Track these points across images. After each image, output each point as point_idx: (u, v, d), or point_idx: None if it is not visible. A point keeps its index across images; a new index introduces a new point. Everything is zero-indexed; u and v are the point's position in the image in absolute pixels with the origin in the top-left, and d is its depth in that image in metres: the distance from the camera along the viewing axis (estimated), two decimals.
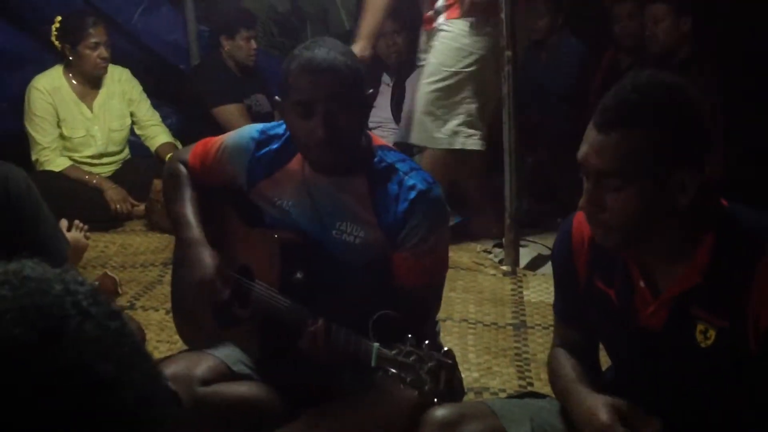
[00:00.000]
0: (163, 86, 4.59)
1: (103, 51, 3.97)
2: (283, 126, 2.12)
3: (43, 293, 0.68)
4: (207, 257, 2.08)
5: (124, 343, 0.68)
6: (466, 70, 3.53)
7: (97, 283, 1.95)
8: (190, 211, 2.19)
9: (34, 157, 3.96)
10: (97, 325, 0.67)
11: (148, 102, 4.32)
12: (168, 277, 3.35)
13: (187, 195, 2.21)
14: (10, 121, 4.15)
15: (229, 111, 4.38)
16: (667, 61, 3.73)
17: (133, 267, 3.47)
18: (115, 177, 4.14)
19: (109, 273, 3.08)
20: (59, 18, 3.96)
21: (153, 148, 4.29)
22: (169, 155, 4.16)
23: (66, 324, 0.66)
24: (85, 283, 0.71)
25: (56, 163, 3.98)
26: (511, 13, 3.28)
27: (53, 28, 3.96)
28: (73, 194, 3.78)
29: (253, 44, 4.49)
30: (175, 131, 4.52)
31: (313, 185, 2.08)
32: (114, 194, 3.99)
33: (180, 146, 4.13)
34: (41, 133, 3.98)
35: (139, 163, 4.23)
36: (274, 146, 2.13)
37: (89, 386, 0.64)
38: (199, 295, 2.09)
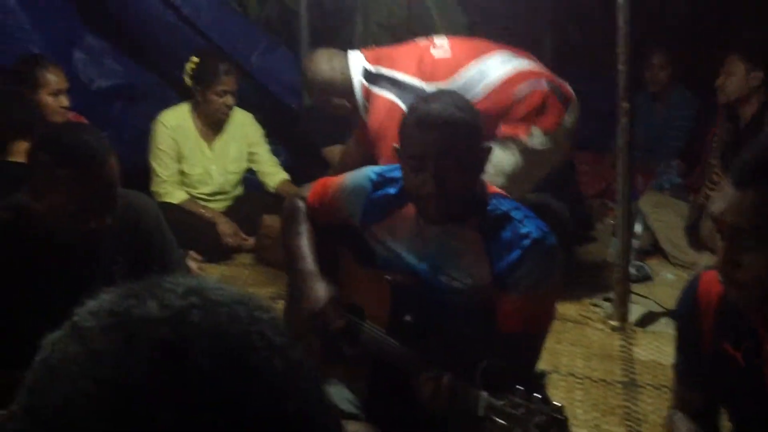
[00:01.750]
0: (275, 125, 4.71)
1: (229, 99, 4.09)
2: (400, 170, 2.14)
3: (232, 321, 0.63)
4: (320, 290, 2.11)
5: (306, 377, 0.64)
6: None
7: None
8: (305, 245, 2.23)
9: (153, 189, 4.10)
10: (283, 358, 0.63)
11: (268, 146, 4.44)
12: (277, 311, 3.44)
13: (304, 229, 2.26)
14: (131, 153, 4.33)
15: (338, 151, 4.46)
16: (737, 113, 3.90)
17: None
18: (227, 211, 4.26)
19: None
20: (195, 59, 4.08)
21: (271, 186, 4.37)
22: (289, 191, 4.32)
23: (254, 356, 0.62)
24: (268, 309, 0.66)
25: (174, 195, 4.12)
26: (628, 64, 3.24)
27: (188, 68, 4.10)
28: (187, 226, 3.91)
29: None
30: (285, 169, 4.62)
31: (425, 230, 2.09)
32: (226, 228, 4.09)
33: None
34: (162, 166, 4.13)
35: (250, 199, 4.33)
36: (390, 190, 2.15)
37: (276, 423, 0.60)
38: (310, 328, 2.12)
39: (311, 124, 4.54)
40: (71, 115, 3.91)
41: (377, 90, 3.26)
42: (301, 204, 2.30)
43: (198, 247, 3.58)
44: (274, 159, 4.48)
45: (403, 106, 3.07)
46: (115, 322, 0.62)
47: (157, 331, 0.60)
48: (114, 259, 2.10)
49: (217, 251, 4.02)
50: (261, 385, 0.61)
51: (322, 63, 3.35)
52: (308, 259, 2.19)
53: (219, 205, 4.27)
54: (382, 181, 2.17)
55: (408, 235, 2.12)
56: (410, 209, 2.10)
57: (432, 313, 2.09)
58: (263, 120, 4.52)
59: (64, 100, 3.62)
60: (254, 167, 4.41)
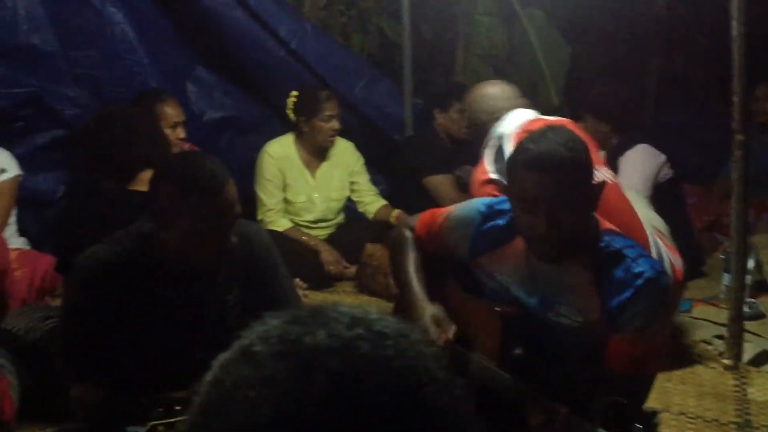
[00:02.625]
0: (377, 155, 4.77)
1: (335, 123, 4.22)
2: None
3: (399, 355, 0.63)
4: (432, 313, 2.12)
5: (468, 413, 0.64)
6: None
7: None
8: (413, 273, 2.25)
9: (259, 217, 4.21)
10: (448, 394, 0.62)
11: (368, 175, 4.53)
12: None
13: (412, 258, 2.28)
14: (239, 183, 4.44)
15: (439, 181, 4.48)
16: None
17: None
18: (329, 240, 4.33)
19: None
20: (295, 93, 4.23)
21: (370, 215, 4.45)
22: (391, 214, 4.37)
23: (422, 392, 0.61)
24: (427, 342, 0.66)
25: (279, 223, 4.22)
26: (743, 96, 3.16)
27: (289, 102, 4.23)
28: (291, 254, 3.99)
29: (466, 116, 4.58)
30: (385, 198, 4.67)
31: (535, 265, 2.08)
32: (328, 256, 4.17)
33: None
34: (268, 195, 4.25)
35: (352, 227, 4.40)
36: (500, 222, 2.15)
37: None
38: None
39: (413, 155, 4.58)
40: (187, 146, 4.08)
41: None
42: (408, 233, 2.33)
43: (301, 274, 3.65)
44: (374, 188, 4.56)
45: None
46: (286, 350, 0.63)
47: (328, 361, 0.61)
48: (229, 287, 2.16)
49: (320, 279, 4.08)
50: (430, 422, 0.60)
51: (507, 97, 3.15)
52: (417, 287, 2.21)
53: (321, 233, 4.35)
54: (491, 213, 2.17)
55: (517, 268, 2.11)
56: (520, 242, 2.09)
57: (541, 347, 2.07)
58: (365, 150, 4.60)
59: (182, 132, 3.77)
60: (353, 196, 4.50)
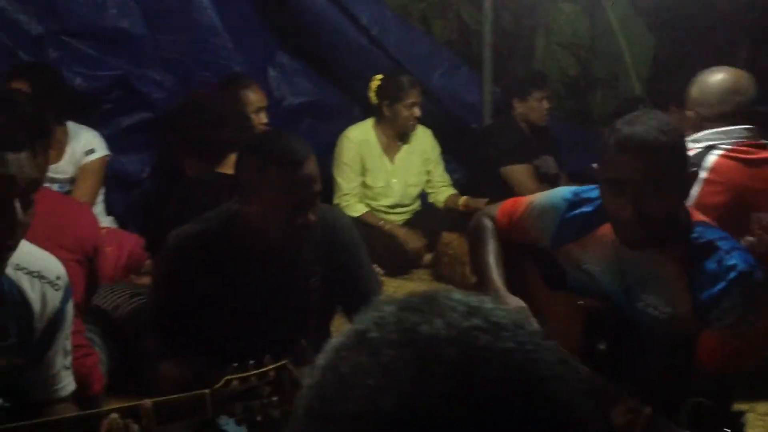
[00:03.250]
0: (454, 143, 4.76)
1: (416, 110, 4.25)
2: (597, 190, 2.11)
3: (518, 348, 0.61)
4: (513, 305, 2.10)
5: (588, 407, 0.62)
6: None
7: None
8: (493, 263, 2.23)
9: (335, 201, 4.25)
10: (568, 389, 0.60)
11: (443, 164, 4.54)
12: None
13: (492, 248, 2.27)
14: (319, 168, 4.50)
15: (517, 171, 4.45)
16: None
17: None
18: (405, 225, 4.34)
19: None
20: (379, 77, 4.26)
21: (440, 204, 4.47)
22: (460, 200, 4.37)
23: (543, 387, 0.60)
24: (543, 334, 0.64)
25: (355, 208, 4.25)
26: None
27: (373, 85, 4.26)
28: (368, 239, 4.02)
29: (546, 104, 4.55)
30: (461, 187, 4.67)
31: (623, 254, 2.04)
32: (408, 236, 4.19)
33: None
34: (346, 180, 4.29)
35: (428, 215, 4.40)
36: (587, 209, 2.12)
37: None
38: None
39: (491, 144, 4.55)
40: None
41: None
42: (488, 222, 2.31)
43: (378, 260, 3.67)
44: (447, 178, 4.58)
45: None
46: (403, 338, 0.62)
47: (446, 352, 0.60)
48: (312, 271, 2.19)
49: (396, 265, 4.10)
50: (552, 417, 0.60)
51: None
52: (497, 275, 2.20)
53: (398, 218, 4.39)
54: (578, 201, 2.14)
55: (604, 257, 2.08)
56: (607, 229, 2.05)
57: (626, 342, 2.04)
58: (442, 138, 4.59)
59: (264, 117, 3.83)
60: (426, 185, 4.52)
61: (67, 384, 1.79)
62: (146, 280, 3.47)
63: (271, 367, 1.83)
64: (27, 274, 1.66)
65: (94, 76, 4.07)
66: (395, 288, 3.91)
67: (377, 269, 3.48)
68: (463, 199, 4.42)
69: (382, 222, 4.28)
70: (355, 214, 4.21)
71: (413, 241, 4.20)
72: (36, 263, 1.67)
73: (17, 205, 1.51)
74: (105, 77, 4.10)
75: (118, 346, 2.64)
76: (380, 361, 0.61)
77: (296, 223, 2.02)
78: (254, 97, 3.87)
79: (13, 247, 1.55)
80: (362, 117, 4.49)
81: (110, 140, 3.94)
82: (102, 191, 3.88)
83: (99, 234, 2.63)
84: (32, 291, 1.67)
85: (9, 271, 1.62)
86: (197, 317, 2.06)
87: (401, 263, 4.16)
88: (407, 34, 4.76)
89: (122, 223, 4.11)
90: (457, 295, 0.66)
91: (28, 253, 1.59)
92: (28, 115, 2.22)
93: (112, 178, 4.07)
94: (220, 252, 2.09)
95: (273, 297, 2.14)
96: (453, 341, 0.61)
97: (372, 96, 4.29)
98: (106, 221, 3.81)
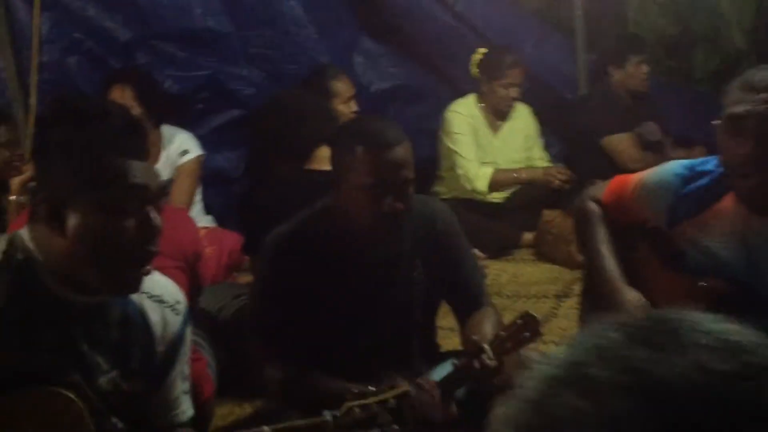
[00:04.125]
0: (549, 115, 4.60)
1: (514, 91, 4.14)
2: (712, 162, 1.97)
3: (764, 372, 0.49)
4: (634, 299, 1.99)
5: None
6: None
7: (520, 321, 1.95)
8: (605, 249, 2.12)
9: (460, 172, 4.16)
10: None
11: (541, 141, 4.44)
12: (563, 311, 3.35)
13: (602, 233, 2.15)
14: None
15: (619, 140, 4.28)
16: None
17: (526, 297, 3.50)
18: (506, 204, 4.23)
19: (530, 312, 3.06)
20: (483, 50, 4.16)
21: None
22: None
23: None
24: None
25: (482, 173, 4.16)
26: None
27: (475, 58, 4.17)
28: (468, 223, 3.93)
29: (644, 68, 4.35)
30: (560, 160, 4.53)
31: (749, 227, 1.89)
32: (550, 170, 4.17)
33: None
34: (464, 147, 4.18)
35: (529, 192, 4.27)
36: (703, 182, 1.98)
37: None
38: None
39: (588, 115, 4.38)
40: None
41: None
42: (593, 206, 2.18)
43: (479, 243, 3.58)
44: (545, 155, 4.47)
45: None
46: (635, 384, 0.50)
47: (694, 408, 0.48)
48: (413, 264, 2.13)
49: (498, 247, 4.00)
50: None
51: None
52: (612, 266, 2.08)
53: (499, 195, 4.27)
54: (693, 175, 2.00)
55: (727, 232, 1.93)
56: (729, 202, 1.91)
57: (754, 325, 1.89)
58: (536, 111, 4.45)
59: (353, 106, 3.80)
60: (526, 162, 4.40)
61: (186, 409, 1.78)
62: (247, 278, 3.49)
63: (392, 394, 1.79)
64: (149, 298, 1.66)
65: (184, 78, 4.11)
66: (497, 271, 3.81)
67: (478, 254, 3.40)
68: None
69: (516, 173, 4.21)
70: (484, 180, 4.13)
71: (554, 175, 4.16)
72: (157, 288, 1.66)
73: (153, 212, 1.51)
74: (194, 78, 4.13)
75: (225, 349, 2.64)
76: (604, 411, 0.49)
77: (384, 208, 1.95)
78: (342, 87, 3.83)
79: (155, 253, 1.54)
80: (451, 98, 4.39)
81: (203, 139, 3.98)
82: (199, 190, 3.92)
83: (199, 239, 2.64)
84: (154, 315, 1.67)
85: (133, 295, 1.61)
86: (300, 319, 2.03)
87: (503, 246, 4.05)
88: (493, 6, 4.62)
89: (221, 220, 4.15)
90: (708, 321, 0.52)
91: (149, 278, 1.57)
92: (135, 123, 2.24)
93: (209, 177, 4.11)
94: (319, 251, 2.05)
95: (375, 293, 2.09)
96: (706, 395, 0.48)
97: (473, 69, 4.20)
98: (205, 221, 3.85)
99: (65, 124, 2.22)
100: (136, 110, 3.48)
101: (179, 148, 3.75)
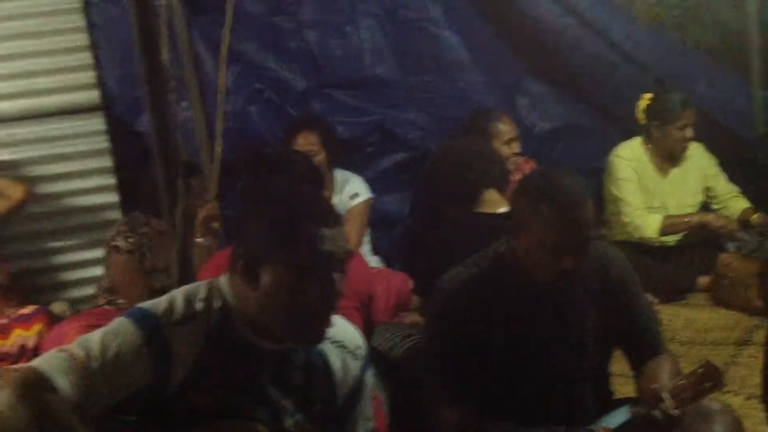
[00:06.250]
0: (724, 155, 4.42)
1: (689, 132, 3.99)
2: None
3: None
4: None
5: None
6: None
7: (701, 370, 1.89)
8: None
9: (626, 220, 4.05)
10: None
11: (724, 175, 4.21)
12: (742, 359, 3.20)
13: None
14: None
15: None
16: None
17: (701, 344, 3.36)
18: (678, 246, 4.08)
19: (711, 361, 2.94)
20: (649, 95, 4.06)
21: (733, 216, 4.14)
22: (753, 216, 4.05)
23: None
24: None
25: (650, 220, 4.03)
26: None
27: (641, 104, 4.08)
28: (637, 267, 3.83)
29: None
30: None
31: None
32: (717, 221, 3.99)
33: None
34: (630, 194, 4.06)
35: (702, 235, 4.10)
36: None
37: None
38: None
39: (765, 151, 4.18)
40: (521, 161, 4.10)
41: None
42: None
43: (650, 286, 3.47)
44: (734, 188, 4.23)
45: None
46: None
47: None
48: (586, 311, 2.11)
49: (671, 291, 3.87)
50: None
51: None
52: None
53: (671, 239, 4.11)
54: None
55: None
56: None
57: None
58: (711, 150, 4.29)
59: (516, 147, 3.83)
60: (713, 203, 4.21)
61: None
62: (414, 318, 3.56)
63: None
64: (331, 343, 1.74)
65: (354, 123, 4.29)
66: (670, 316, 3.68)
67: (649, 298, 3.30)
68: (756, 216, 4.06)
69: (688, 217, 4.03)
70: (654, 227, 4.00)
71: (724, 221, 3.99)
72: (338, 333, 1.74)
73: (338, 277, 1.60)
74: (364, 123, 4.31)
75: (397, 388, 2.70)
76: None
77: (563, 267, 1.96)
78: (505, 128, 3.88)
79: (332, 316, 1.64)
80: (619, 137, 4.30)
81: (371, 182, 4.13)
82: (368, 232, 4.06)
83: (372, 280, 2.74)
84: (335, 360, 1.75)
85: None
86: (474, 363, 2.05)
87: (674, 289, 3.91)
88: (662, 45, 4.52)
89: (387, 261, 4.26)
90: None
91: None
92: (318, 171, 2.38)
93: (376, 219, 4.24)
94: (493, 296, 2.07)
95: (548, 339, 2.09)
96: None
97: (640, 115, 4.08)
98: (373, 261, 3.97)
99: (258, 177, 2.40)
100: (321, 155, 3.68)
101: (350, 191, 3.91)
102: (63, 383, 1.47)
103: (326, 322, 1.64)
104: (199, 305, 1.63)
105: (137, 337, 1.56)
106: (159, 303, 1.62)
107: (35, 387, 1.44)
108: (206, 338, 1.61)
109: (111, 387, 1.52)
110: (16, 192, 3.82)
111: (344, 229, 1.73)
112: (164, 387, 1.57)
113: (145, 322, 1.58)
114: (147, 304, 1.63)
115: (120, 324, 1.58)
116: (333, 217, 1.64)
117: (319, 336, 1.65)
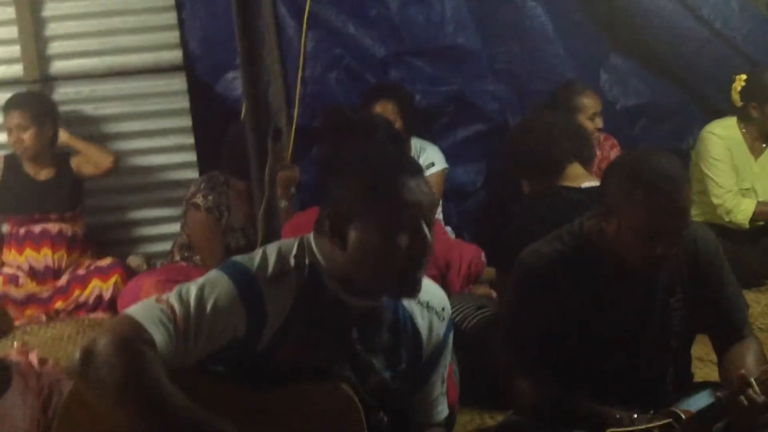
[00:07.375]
0: None
1: None
2: None
3: None
4: None
5: None
6: None
7: None
8: None
9: (717, 202, 3.93)
10: None
11: None
12: None
13: None
14: None
15: None
16: None
17: None
18: (756, 232, 3.96)
19: None
20: (744, 76, 3.91)
21: None
22: None
23: None
24: None
25: (743, 205, 3.92)
26: None
27: (736, 85, 3.94)
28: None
29: None
30: None
31: None
32: None
33: None
34: (722, 175, 3.95)
35: None
36: None
37: None
38: None
39: None
40: (602, 137, 4.02)
41: None
42: None
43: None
44: None
45: None
46: None
47: None
48: (672, 291, 2.06)
49: (751, 276, 3.75)
50: None
51: None
52: None
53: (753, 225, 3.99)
54: None
55: None
56: None
57: None
58: None
59: (599, 122, 3.76)
60: None
61: (443, 409, 1.87)
62: (484, 290, 3.54)
63: (657, 424, 1.77)
64: (418, 304, 1.75)
65: (433, 92, 4.25)
66: (749, 302, 3.47)
67: None
68: None
69: None
70: (747, 211, 3.88)
71: None
72: (425, 294, 1.73)
73: (426, 229, 1.59)
74: (442, 93, 4.27)
75: (468, 358, 2.70)
76: None
77: (655, 253, 1.91)
78: (589, 102, 3.81)
79: (427, 263, 1.63)
80: (703, 117, 4.19)
81: (446, 152, 4.10)
82: (440, 203, 4.04)
83: (450, 249, 2.72)
84: (422, 320, 1.76)
85: (403, 301, 1.71)
86: (554, 336, 2.03)
87: (756, 274, 3.80)
88: (755, 23, 4.35)
89: (458, 232, 4.24)
90: None
91: None
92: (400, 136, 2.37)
93: (448, 189, 4.22)
94: (577, 271, 2.03)
95: (632, 317, 2.05)
96: None
97: (735, 97, 3.93)
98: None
99: (341, 140, 2.40)
100: (398, 124, 3.67)
101: (426, 160, 3.89)
102: (158, 334, 1.50)
103: (420, 273, 1.62)
104: (292, 261, 1.64)
105: (233, 291, 1.57)
106: (253, 258, 1.64)
107: (133, 338, 1.47)
108: (298, 294, 1.62)
109: (204, 340, 1.55)
110: (105, 161, 3.93)
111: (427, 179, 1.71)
112: (255, 342, 1.59)
113: (241, 276, 1.60)
114: (242, 259, 1.65)
115: (216, 277, 1.60)
116: (416, 167, 1.63)
117: (415, 287, 1.63)
